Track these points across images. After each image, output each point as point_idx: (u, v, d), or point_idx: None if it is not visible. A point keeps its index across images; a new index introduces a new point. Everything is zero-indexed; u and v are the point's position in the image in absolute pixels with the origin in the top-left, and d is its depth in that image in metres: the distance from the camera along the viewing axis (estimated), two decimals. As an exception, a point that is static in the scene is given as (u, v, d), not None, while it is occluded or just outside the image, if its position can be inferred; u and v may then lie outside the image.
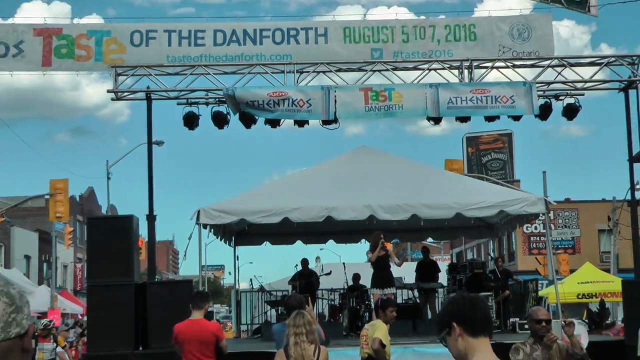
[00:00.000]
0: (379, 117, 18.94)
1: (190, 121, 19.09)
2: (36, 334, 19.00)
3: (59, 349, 19.94)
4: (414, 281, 21.28)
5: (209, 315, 11.58)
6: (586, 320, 26.31)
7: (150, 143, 18.55)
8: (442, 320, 4.21)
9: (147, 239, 21.55)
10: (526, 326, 8.68)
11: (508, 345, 8.40)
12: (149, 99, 18.92)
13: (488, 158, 58.75)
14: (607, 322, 23.89)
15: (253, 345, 17.34)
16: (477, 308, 4.13)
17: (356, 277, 22.01)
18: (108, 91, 18.98)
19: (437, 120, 18.95)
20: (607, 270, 39.49)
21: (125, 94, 19.37)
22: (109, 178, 48.12)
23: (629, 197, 18.97)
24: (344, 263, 23.84)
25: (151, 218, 16.36)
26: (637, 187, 27.55)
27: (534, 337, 8.39)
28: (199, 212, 16.59)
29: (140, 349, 13.46)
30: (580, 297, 33.01)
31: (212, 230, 18.61)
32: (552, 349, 8.24)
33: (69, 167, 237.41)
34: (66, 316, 48.67)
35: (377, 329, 10.67)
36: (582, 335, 8.93)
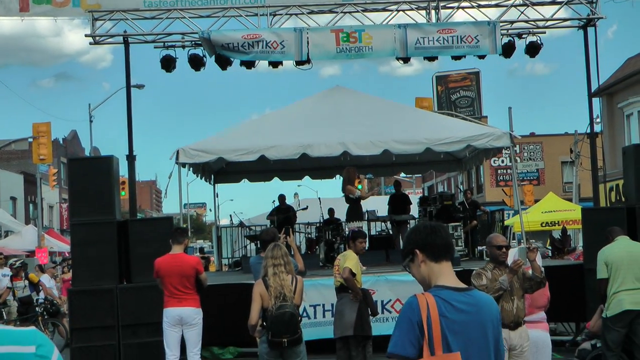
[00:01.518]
0: (349, 57, 18.86)
1: (168, 64, 18.94)
2: (11, 273, 19.22)
3: (48, 285, 20.04)
4: (387, 214, 21.42)
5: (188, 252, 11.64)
6: (549, 247, 26.62)
7: (128, 85, 18.41)
8: (405, 249, 4.30)
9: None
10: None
11: (474, 272, 8.51)
12: (126, 43, 18.72)
13: (457, 96, 58.84)
14: (568, 248, 24.16)
15: (233, 277, 17.46)
16: (437, 235, 4.23)
17: (331, 211, 22.14)
18: (86, 36, 18.77)
19: (405, 60, 18.91)
20: (569, 200, 39.90)
21: (103, 38, 19.13)
22: (91, 121, 47.84)
23: (589, 130, 19.08)
24: (319, 198, 23.94)
25: (131, 158, 16.31)
26: (597, 120, 27.65)
27: (494, 263, 8.48)
28: (178, 151, 16.54)
29: (124, 283, 13.53)
30: (543, 225, 33.44)
31: (191, 169, 18.61)
32: (517, 274, 8.33)
33: (52, 112, 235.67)
34: (54, 254, 48.74)
35: (348, 259, 10.75)
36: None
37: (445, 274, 4.18)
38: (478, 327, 4.06)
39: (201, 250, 44.71)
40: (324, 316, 14.29)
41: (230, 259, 25.91)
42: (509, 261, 8.62)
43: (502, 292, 8.14)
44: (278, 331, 8.22)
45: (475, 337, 4.05)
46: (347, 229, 17.60)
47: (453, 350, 3.98)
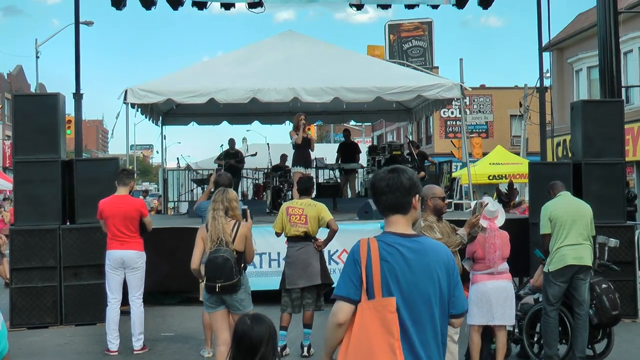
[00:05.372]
0: (302, 2, 18.61)
1: (118, 1, 18.44)
2: None
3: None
4: (336, 161, 21.38)
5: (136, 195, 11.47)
6: (496, 200, 26.91)
7: (77, 21, 17.88)
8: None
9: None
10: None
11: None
12: (75, -23, 18.17)
13: (409, 45, 58.74)
14: (514, 201, 24.43)
15: (179, 221, 17.32)
16: (383, 196, 4.25)
17: (283, 157, 22.05)
18: (34, -31, 18.24)
19: (359, 7, 18.66)
20: (517, 154, 40.31)
21: (52, -28, 18.60)
22: (37, 57, 46.89)
23: (538, 84, 19.12)
24: (268, 144, 23.87)
25: (78, 96, 15.92)
26: (546, 75, 27.77)
27: (436, 215, 8.14)
28: (126, 91, 16.33)
29: (67, 223, 13.32)
30: (491, 178, 33.78)
31: (139, 109, 18.36)
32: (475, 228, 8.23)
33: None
34: (-4, 191, 47.95)
35: (324, 210, 10.56)
36: (500, 213, 9.00)
37: (393, 223, 4.19)
38: (423, 273, 4.04)
39: (145, 192, 44.35)
40: (270, 266, 14.11)
41: (176, 203, 25.78)
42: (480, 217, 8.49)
43: (462, 246, 8.08)
44: (211, 276, 8.11)
45: (420, 282, 4.03)
46: (293, 175, 17.43)
47: (394, 295, 3.99)
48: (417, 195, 4.21)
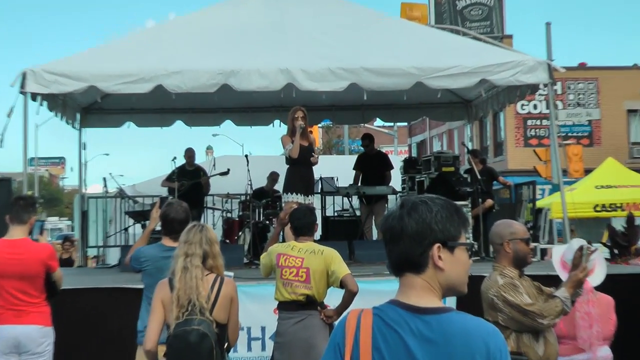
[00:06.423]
0: None
1: None
2: None
3: None
4: (353, 183, 21.31)
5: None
6: (608, 243, 26.72)
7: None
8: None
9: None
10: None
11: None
12: None
13: (465, 3, 58.97)
14: (636, 246, 24.37)
15: (106, 277, 17.31)
16: (390, 245, 4.24)
17: (273, 176, 21.94)
18: None
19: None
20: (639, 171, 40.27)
21: None
22: None
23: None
24: (246, 155, 23.81)
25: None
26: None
27: (517, 267, 7.92)
28: (25, 74, 16.31)
29: None
30: (598, 209, 33.59)
31: (45, 102, 18.35)
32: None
33: None
34: None
35: (336, 261, 10.43)
36: (597, 263, 8.75)
37: (403, 287, 4.16)
38: None
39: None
40: (249, 348, 13.89)
41: (100, 249, 25.72)
42: (556, 264, 8.40)
43: (564, 315, 7.84)
44: None
45: None
46: (284, 203, 17.15)
47: None
48: (439, 245, 4.11)
